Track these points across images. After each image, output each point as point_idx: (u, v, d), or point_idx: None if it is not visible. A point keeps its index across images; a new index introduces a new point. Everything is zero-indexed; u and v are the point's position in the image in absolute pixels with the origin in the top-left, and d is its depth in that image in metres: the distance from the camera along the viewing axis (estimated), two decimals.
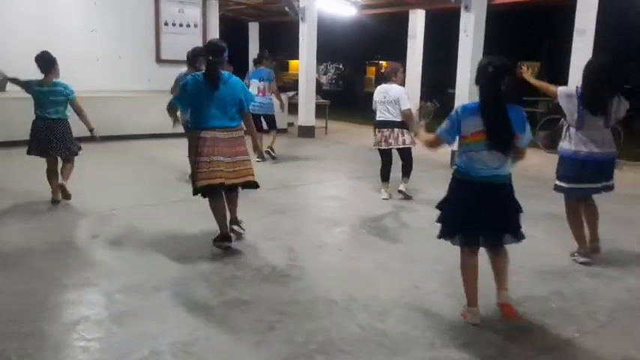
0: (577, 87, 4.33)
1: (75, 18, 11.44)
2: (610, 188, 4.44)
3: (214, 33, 13.81)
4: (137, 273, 4.01)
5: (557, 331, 3.33)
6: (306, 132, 11.59)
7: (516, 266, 4.35)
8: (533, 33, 19.66)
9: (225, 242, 4.49)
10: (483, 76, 3.25)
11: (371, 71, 28.64)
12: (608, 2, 10.53)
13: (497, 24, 16.45)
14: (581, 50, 10.08)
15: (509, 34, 19.28)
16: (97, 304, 3.52)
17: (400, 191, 6.33)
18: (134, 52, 12.19)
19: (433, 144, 3.47)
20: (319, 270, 4.21)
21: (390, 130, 6.15)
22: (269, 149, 8.56)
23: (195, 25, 13.33)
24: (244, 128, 4.67)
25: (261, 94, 8.50)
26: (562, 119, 4.56)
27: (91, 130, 5.78)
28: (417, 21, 12.90)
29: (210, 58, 4.39)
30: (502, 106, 3.19)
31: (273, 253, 4.49)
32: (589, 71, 4.29)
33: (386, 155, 6.34)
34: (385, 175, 6.40)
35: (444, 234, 3.40)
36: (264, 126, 8.71)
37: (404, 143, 6.18)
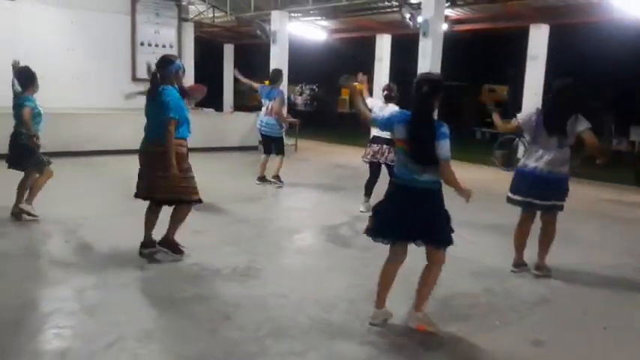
0: (537, 108, 4.69)
1: (52, 37, 11.79)
2: (558, 208, 4.63)
3: (189, 54, 14.28)
4: (106, 272, 4.36)
5: (481, 320, 3.79)
6: None
7: (454, 267, 4.84)
8: (500, 58, 20.54)
9: (140, 248, 4.76)
10: (418, 93, 3.43)
11: (345, 92, 29.26)
12: (559, 31, 11.31)
13: (465, 49, 17.27)
14: (534, 74, 10.82)
15: (476, 58, 20.13)
16: (69, 299, 3.85)
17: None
18: (110, 71, 12.56)
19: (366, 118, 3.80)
20: (276, 271, 4.62)
21: (378, 145, 6.62)
22: (275, 177, 8.32)
23: (171, 46, 13.77)
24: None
25: (270, 114, 8.23)
26: (516, 139, 4.90)
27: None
28: (383, 45, 13.57)
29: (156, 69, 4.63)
30: (429, 122, 3.38)
31: (235, 257, 4.87)
32: (553, 92, 4.61)
33: (374, 169, 6.76)
34: (368, 189, 6.79)
35: (368, 232, 3.58)
36: (273, 149, 8.40)
37: (392, 161, 6.60)
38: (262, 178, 8.43)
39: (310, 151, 13.15)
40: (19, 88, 5.68)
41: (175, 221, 4.72)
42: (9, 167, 5.79)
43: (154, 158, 4.54)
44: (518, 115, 4.73)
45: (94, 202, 6.83)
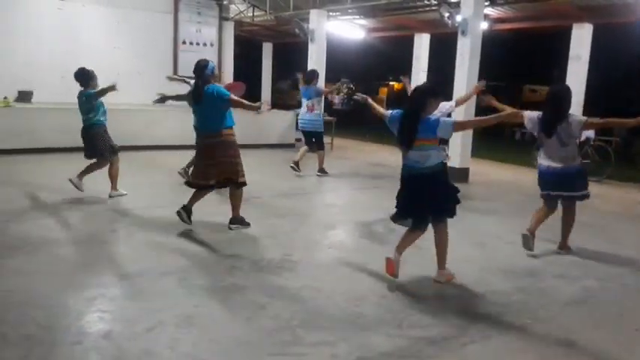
0: (538, 113, 5.02)
1: (99, 35, 12.21)
2: (576, 198, 5.09)
3: (229, 52, 14.54)
4: (148, 261, 4.56)
5: (513, 317, 3.80)
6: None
7: (490, 266, 4.86)
8: (541, 58, 20.20)
9: (180, 209, 5.42)
10: (410, 96, 4.28)
11: (382, 92, 29.23)
12: (603, 31, 11.05)
13: (505, 49, 17.02)
14: (576, 74, 10.61)
15: (517, 58, 19.83)
16: (112, 285, 4.05)
17: None
18: (153, 69, 12.90)
19: (384, 117, 4.45)
20: (310, 264, 4.71)
21: None
22: (321, 171, 8.98)
23: (212, 45, 14.05)
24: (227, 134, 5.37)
25: (309, 111, 8.80)
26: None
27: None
28: (422, 44, 13.51)
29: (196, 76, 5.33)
30: (410, 119, 4.10)
31: (270, 250, 5.00)
32: (546, 98, 5.04)
33: None
34: None
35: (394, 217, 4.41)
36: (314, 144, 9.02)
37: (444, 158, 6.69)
38: (297, 163, 8.93)
39: (347, 150, 13.24)
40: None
41: (236, 202, 5.51)
42: (86, 157, 6.56)
43: (217, 148, 5.26)
44: (525, 112, 5.13)
45: (139, 194, 7.08)
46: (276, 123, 12.99)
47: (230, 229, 5.48)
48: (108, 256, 4.65)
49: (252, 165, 10.05)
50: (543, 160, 5.07)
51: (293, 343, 3.27)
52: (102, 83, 6.55)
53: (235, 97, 5.28)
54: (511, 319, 3.77)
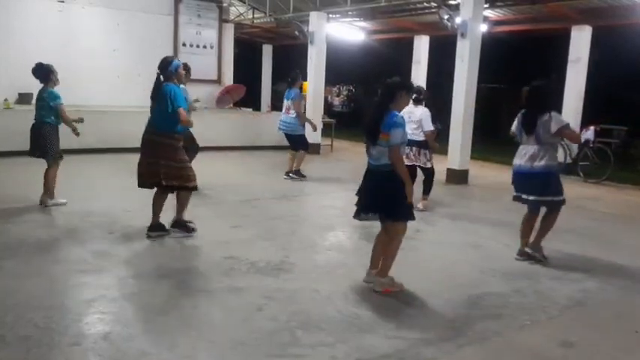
0: (521, 112, 5.01)
1: (98, 37, 12.21)
2: (541, 202, 4.91)
3: (229, 54, 14.54)
4: (147, 263, 4.57)
5: (511, 319, 3.81)
6: (312, 149, 12.11)
7: (487, 268, 4.86)
8: (540, 60, 20.14)
9: (148, 231, 5.22)
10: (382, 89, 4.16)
11: None
12: (603, 33, 11.06)
13: (505, 51, 16.97)
14: (575, 77, 10.62)
15: (516, 61, 19.77)
16: (112, 286, 4.05)
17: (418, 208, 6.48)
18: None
19: None
20: (308, 266, 4.72)
21: (409, 148, 6.58)
22: (290, 172, 8.80)
23: (212, 47, 14.06)
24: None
25: (287, 112, 8.76)
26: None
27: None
28: (422, 46, 13.52)
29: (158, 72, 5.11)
30: (377, 111, 4.01)
31: (269, 251, 5.00)
32: (528, 93, 4.96)
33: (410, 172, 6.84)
34: None
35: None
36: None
37: (424, 164, 6.73)
38: (291, 172, 8.88)
39: (346, 151, 13.24)
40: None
41: (181, 205, 5.31)
42: (35, 156, 6.18)
43: (159, 148, 4.96)
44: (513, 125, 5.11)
45: (135, 195, 7.06)
46: (274, 125, 12.96)
47: (167, 232, 5.29)
48: (105, 258, 4.65)
49: (251, 167, 10.14)
50: (517, 159, 4.96)
51: (291, 344, 3.27)
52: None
53: (184, 115, 4.94)
54: (508, 321, 3.78)
